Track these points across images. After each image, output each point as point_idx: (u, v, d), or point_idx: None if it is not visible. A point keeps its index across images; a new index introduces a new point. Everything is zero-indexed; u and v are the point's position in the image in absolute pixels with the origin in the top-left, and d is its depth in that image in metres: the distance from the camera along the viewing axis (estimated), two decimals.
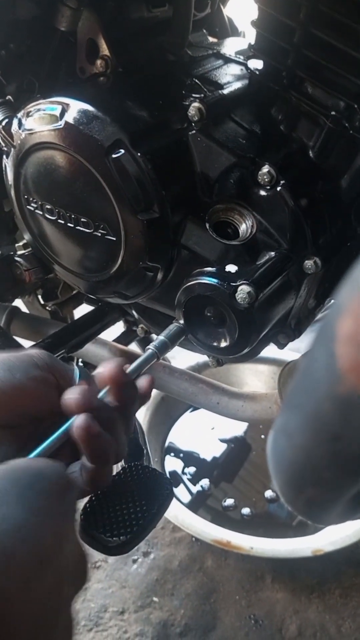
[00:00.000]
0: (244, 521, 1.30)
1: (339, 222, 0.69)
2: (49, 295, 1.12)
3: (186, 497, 1.37)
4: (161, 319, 0.85)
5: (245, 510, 1.32)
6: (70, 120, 0.61)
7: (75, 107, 0.61)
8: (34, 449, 0.42)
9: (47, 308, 1.12)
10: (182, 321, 0.69)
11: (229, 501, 1.34)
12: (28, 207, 0.71)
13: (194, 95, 0.65)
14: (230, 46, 0.79)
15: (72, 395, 0.41)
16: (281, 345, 0.76)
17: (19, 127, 0.66)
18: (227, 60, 0.74)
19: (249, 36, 0.88)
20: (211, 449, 1.48)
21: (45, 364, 0.43)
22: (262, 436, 1.48)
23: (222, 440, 1.50)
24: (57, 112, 0.62)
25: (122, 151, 0.59)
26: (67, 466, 0.44)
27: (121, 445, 0.44)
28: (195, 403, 0.94)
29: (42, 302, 1.11)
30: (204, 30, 0.81)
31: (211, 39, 0.82)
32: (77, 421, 0.39)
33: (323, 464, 0.22)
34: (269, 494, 1.35)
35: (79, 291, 1.10)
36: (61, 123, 0.61)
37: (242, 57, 0.74)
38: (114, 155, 0.59)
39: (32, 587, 0.28)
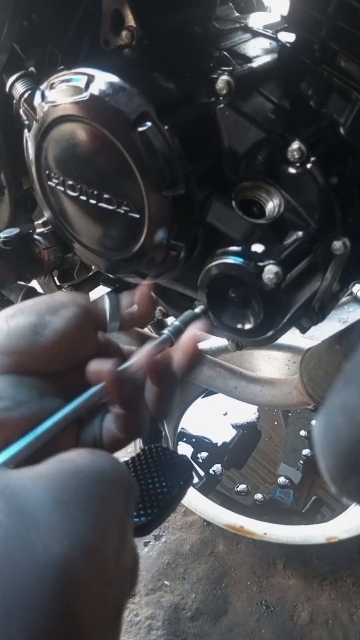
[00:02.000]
0: (257, 507, 1.30)
1: None
2: (65, 276, 1.11)
3: (198, 482, 1.37)
4: (180, 301, 0.84)
5: (258, 496, 1.32)
6: (96, 92, 0.59)
7: (101, 78, 0.59)
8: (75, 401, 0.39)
9: (63, 289, 1.11)
10: (203, 303, 0.67)
11: (241, 487, 1.34)
12: (49, 183, 0.70)
13: (222, 68, 0.63)
14: (258, 20, 0.76)
15: (96, 367, 0.39)
16: (304, 329, 0.75)
17: (42, 100, 0.64)
18: (255, 33, 0.72)
19: (276, 11, 0.86)
20: (223, 435, 1.47)
21: (79, 306, 0.41)
22: (275, 423, 1.47)
23: (235, 426, 1.49)
24: (82, 84, 0.60)
25: (149, 124, 0.57)
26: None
27: (143, 418, 0.42)
28: (213, 387, 0.93)
29: (58, 283, 1.10)
30: (230, 4, 0.79)
31: (237, 14, 0.80)
32: (108, 366, 0.37)
33: None
34: (281, 480, 1.35)
35: (95, 272, 1.09)
36: (86, 95, 0.59)
37: (270, 31, 0.72)
38: (140, 129, 0.57)
39: (100, 610, 0.25)
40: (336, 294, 0.74)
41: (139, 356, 0.41)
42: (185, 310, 0.81)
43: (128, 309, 0.46)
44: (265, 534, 1.16)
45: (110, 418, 0.41)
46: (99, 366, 0.38)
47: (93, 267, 0.91)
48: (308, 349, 0.76)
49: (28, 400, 0.37)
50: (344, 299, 2.04)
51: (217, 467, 1.39)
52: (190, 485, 0.55)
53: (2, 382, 0.37)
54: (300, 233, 0.63)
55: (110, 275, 0.78)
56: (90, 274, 1.10)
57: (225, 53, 0.64)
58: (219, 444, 1.45)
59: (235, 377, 0.90)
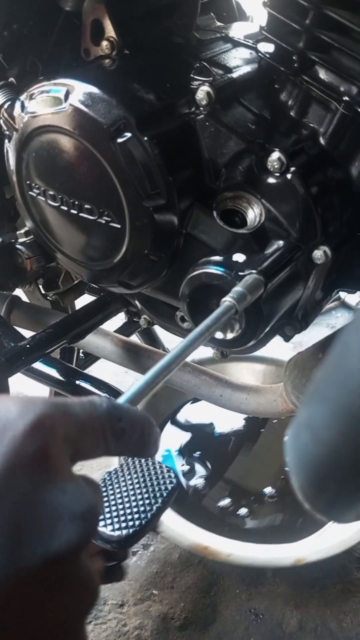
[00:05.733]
0: (241, 522, 1.27)
1: (348, 211, 0.67)
2: (50, 284, 1.11)
3: (179, 497, 1.33)
4: (165, 310, 0.84)
5: (243, 511, 1.28)
6: (75, 103, 0.59)
7: (80, 89, 0.59)
8: None
9: (48, 298, 1.11)
10: (185, 312, 0.67)
11: (225, 501, 1.30)
12: (30, 193, 0.70)
13: (202, 78, 0.63)
14: (239, 30, 0.77)
15: None
16: (287, 338, 0.75)
17: (22, 110, 0.64)
18: (236, 43, 0.72)
19: (258, 21, 0.86)
20: (208, 445, 1.45)
21: None
22: (262, 430, 1.46)
23: (220, 435, 1.47)
24: (62, 95, 0.60)
25: (129, 135, 0.57)
26: None
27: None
28: (198, 395, 0.93)
29: (43, 291, 1.10)
30: (212, 14, 0.79)
31: (219, 24, 0.80)
32: None
33: (351, 462, 0.20)
34: (268, 490, 1.33)
35: (80, 281, 1.08)
36: (65, 105, 0.59)
37: (251, 41, 0.72)
38: (119, 140, 0.57)
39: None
40: (319, 301, 0.75)
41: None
42: (171, 318, 0.81)
43: None
44: (230, 555, 1.10)
45: None
46: None
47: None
48: (292, 357, 0.76)
49: None
50: (331, 305, 2.05)
51: (200, 482, 1.35)
52: (174, 495, 0.55)
53: None
54: (281, 242, 0.63)
55: (94, 285, 0.78)
56: (75, 282, 1.10)
57: (205, 63, 0.64)
58: (204, 455, 1.42)
59: (221, 385, 0.90)
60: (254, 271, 0.58)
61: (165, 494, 0.52)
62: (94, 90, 0.58)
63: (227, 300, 0.54)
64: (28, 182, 0.69)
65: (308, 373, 0.71)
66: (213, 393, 0.91)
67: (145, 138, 0.57)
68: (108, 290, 0.78)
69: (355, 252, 0.69)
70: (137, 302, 0.84)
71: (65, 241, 0.71)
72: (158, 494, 0.52)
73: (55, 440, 0.28)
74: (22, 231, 0.81)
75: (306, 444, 0.22)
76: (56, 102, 0.60)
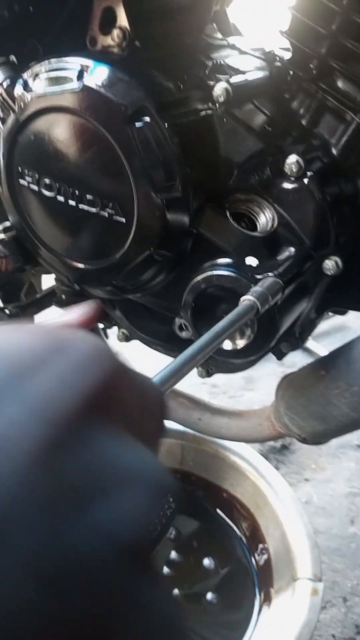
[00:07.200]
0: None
1: (354, 225, 0.66)
2: (11, 296, 1.03)
3: None
4: (147, 324, 0.79)
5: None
6: (89, 83, 0.54)
7: (96, 68, 0.55)
8: None
9: (7, 311, 1.03)
10: (187, 320, 0.63)
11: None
12: (21, 181, 0.64)
13: (218, 75, 0.60)
14: (242, 42, 0.76)
15: None
16: (281, 355, 0.72)
17: (25, 89, 0.59)
18: (243, 52, 0.71)
19: (253, 35, 0.86)
20: None
21: None
22: None
23: None
24: (73, 74, 0.55)
25: (148, 119, 0.53)
26: None
27: None
28: (174, 419, 0.87)
29: (1, 304, 1.02)
30: (214, 25, 0.78)
31: (220, 35, 0.79)
32: None
33: None
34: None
35: (45, 294, 1.01)
36: (78, 84, 0.55)
37: (258, 52, 0.71)
38: (137, 123, 0.53)
39: None
40: (313, 320, 0.72)
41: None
42: (157, 333, 0.76)
43: None
44: None
45: None
46: None
47: (54, 282, 0.84)
48: (285, 376, 0.73)
49: None
50: None
51: None
52: (173, 519, 0.49)
53: None
54: (292, 249, 0.60)
55: (76, 287, 0.71)
56: (38, 295, 1.02)
57: (221, 61, 0.62)
58: None
59: (199, 409, 0.85)
60: (270, 274, 0.55)
61: (163, 519, 0.46)
62: (112, 70, 0.54)
63: (248, 299, 0.50)
64: (20, 169, 0.63)
65: (307, 392, 0.67)
66: (191, 417, 0.86)
67: (166, 125, 0.54)
68: (92, 296, 0.72)
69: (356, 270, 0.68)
70: (117, 312, 0.79)
71: (55, 236, 0.65)
72: (156, 520, 0.46)
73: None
74: (0, 227, 0.74)
75: None
76: (67, 81, 0.56)
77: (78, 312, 0.42)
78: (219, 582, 1.16)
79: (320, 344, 1.87)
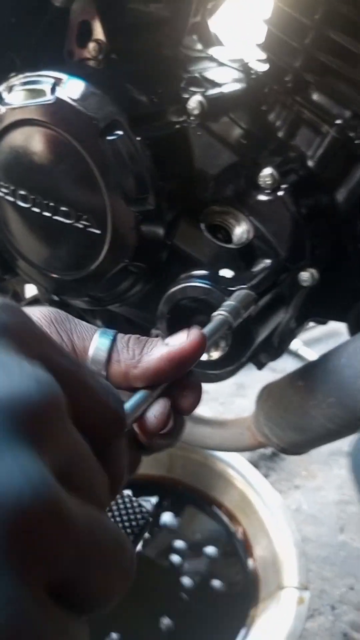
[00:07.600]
0: None
1: (332, 237, 0.66)
2: None
3: None
4: (129, 332, 0.79)
5: None
6: (63, 96, 0.55)
7: (70, 82, 0.55)
8: None
9: None
10: (163, 331, 0.63)
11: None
12: None
13: (193, 89, 0.61)
14: (221, 54, 0.76)
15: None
16: (261, 365, 0.72)
17: (0, 102, 0.59)
18: (222, 64, 0.71)
19: (232, 47, 0.86)
20: None
21: (53, 323, 0.34)
22: None
23: None
24: (47, 87, 0.56)
25: (120, 133, 0.53)
26: None
27: None
28: None
29: None
30: (194, 36, 0.79)
31: (200, 47, 0.80)
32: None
33: None
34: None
35: (27, 303, 1.01)
36: (52, 98, 0.55)
37: (236, 64, 0.72)
38: (110, 137, 0.54)
39: None
40: (293, 329, 0.72)
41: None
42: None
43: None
44: None
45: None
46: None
47: (36, 290, 0.84)
48: (265, 386, 0.73)
49: None
50: None
51: None
52: (146, 530, 0.49)
53: None
54: (268, 261, 0.60)
55: (55, 298, 0.71)
56: (23, 303, 1.02)
57: (197, 74, 0.63)
58: None
59: None
60: (244, 286, 0.55)
61: (135, 529, 0.47)
62: (85, 84, 0.55)
63: (221, 314, 0.50)
64: None
65: (285, 402, 0.67)
66: None
67: (138, 138, 0.54)
68: (70, 305, 0.72)
69: (337, 281, 0.68)
70: (98, 322, 0.79)
71: (32, 247, 0.65)
72: (128, 530, 0.47)
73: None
74: None
75: None
76: (40, 94, 0.56)
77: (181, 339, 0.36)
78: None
79: (313, 350, 1.87)
